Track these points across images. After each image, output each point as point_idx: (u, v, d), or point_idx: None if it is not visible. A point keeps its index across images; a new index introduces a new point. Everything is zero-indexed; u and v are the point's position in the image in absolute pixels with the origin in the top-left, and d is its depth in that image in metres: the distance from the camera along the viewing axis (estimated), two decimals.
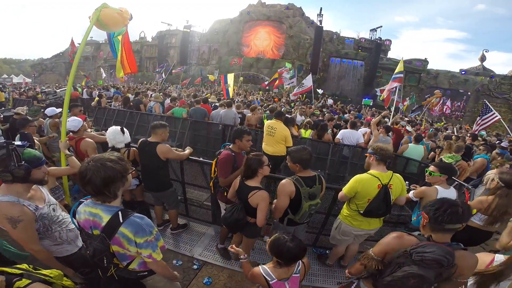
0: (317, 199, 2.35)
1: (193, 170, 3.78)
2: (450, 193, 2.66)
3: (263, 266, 1.70)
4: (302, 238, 2.75)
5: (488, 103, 7.01)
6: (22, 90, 14.32)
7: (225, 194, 2.70)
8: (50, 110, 4.32)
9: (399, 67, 7.37)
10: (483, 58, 27.68)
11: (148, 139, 2.98)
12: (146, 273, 1.61)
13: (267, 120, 5.31)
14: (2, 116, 4.91)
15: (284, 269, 1.64)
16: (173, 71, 23.43)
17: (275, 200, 2.39)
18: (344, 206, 2.65)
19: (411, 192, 2.80)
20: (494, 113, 6.66)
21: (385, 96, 8.84)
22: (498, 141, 8.84)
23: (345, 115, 9.74)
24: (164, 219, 3.53)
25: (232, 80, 10.97)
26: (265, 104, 9.90)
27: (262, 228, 2.80)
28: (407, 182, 2.76)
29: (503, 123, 7.52)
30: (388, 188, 2.33)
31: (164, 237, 3.33)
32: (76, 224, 1.50)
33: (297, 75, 17.71)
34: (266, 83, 18.86)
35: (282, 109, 8.17)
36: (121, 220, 1.38)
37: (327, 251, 3.21)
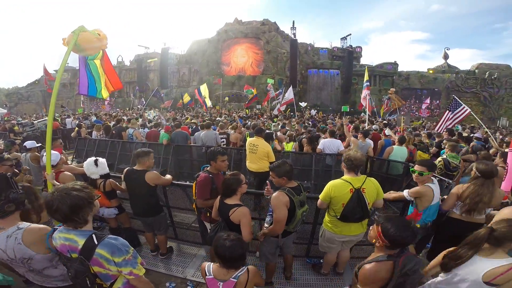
0: (305, 205, 2.48)
1: (177, 194, 3.82)
2: (436, 187, 2.78)
3: (212, 263, 1.75)
4: (290, 247, 2.84)
5: (457, 98, 7.27)
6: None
7: (208, 214, 2.76)
8: (30, 143, 4.28)
9: (366, 76, 7.99)
10: (446, 56, 29.69)
11: (133, 167, 3.02)
12: None
13: (249, 137, 5.41)
14: None
15: (223, 270, 1.65)
16: (154, 97, 23.43)
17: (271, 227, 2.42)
18: (326, 213, 2.76)
19: (406, 191, 2.84)
20: (464, 107, 6.92)
21: (364, 105, 9.32)
22: (472, 134, 9.33)
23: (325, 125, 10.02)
24: (156, 243, 3.50)
25: (206, 91, 11.11)
26: (248, 122, 10.03)
27: (250, 244, 2.83)
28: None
29: (475, 116, 7.91)
30: (361, 192, 2.43)
31: (155, 260, 3.33)
32: (53, 249, 1.55)
33: (278, 89, 18.20)
34: (247, 102, 19.30)
35: (265, 124, 8.37)
36: (96, 242, 1.45)
37: (321, 260, 3.25)
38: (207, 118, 11.29)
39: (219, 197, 2.42)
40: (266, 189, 2.59)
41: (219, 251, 1.61)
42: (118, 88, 3.49)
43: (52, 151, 3.24)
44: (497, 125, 23.22)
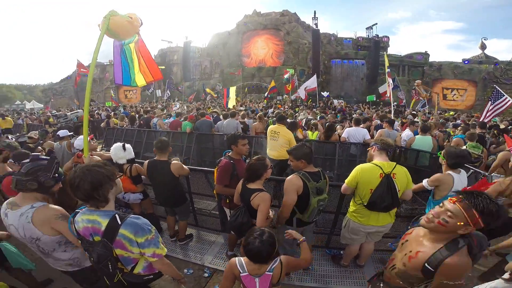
0: (324, 193, 2.33)
1: (199, 180, 3.85)
2: (462, 177, 2.60)
3: (241, 258, 1.68)
4: (310, 239, 2.74)
5: (499, 88, 6.81)
6: (35, 115, 14.93)
7: (227, 201, 2.74)
8: (63, 132, 4.58)
9: (386, 62, 7.69)
10: (483, 46, 27.25)
11: (155, 158, 3.05)
12: (152, 276, 1.64)
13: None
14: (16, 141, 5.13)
15: (256, 264, 1.59)
16: (176, 89, 24.04)
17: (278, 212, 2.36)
18: (351, 202, 2.60)
19: (425, 180, 2.69)
20: (507, 98, 6.47)
21: (387, 93, 9.00)
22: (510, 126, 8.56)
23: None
24: (176, 229, 3.57)
25: (234, 93, 11.26)
26: (268, 111, 10.03)
27: None
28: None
29: None
30: (392, 177, 2.26)
31: (174, 247, 3.38)
32: (76, 233, 1.54)
33: (298, 80, 17.85)
34: (266, 94, 19.16)
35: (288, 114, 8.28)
36: (119, 222, 1.43)
37: (341, 252, 3.14)
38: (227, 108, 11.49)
39: (241, 182, 2.37)
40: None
41: (249, 250, 1.54)
42: (159, 78, 3.24)
43: (81, 137, 3.43)
44: None
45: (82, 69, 15.64)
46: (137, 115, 9.55)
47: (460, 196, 1.22)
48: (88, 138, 3.36)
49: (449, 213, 1.22)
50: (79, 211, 1.54)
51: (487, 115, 6.74)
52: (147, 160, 3.11)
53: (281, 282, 1.66)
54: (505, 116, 13.93)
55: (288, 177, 2.29)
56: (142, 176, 3.30)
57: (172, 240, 3.46)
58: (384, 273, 1.67)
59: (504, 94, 6.55)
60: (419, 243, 1.37)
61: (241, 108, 11.40)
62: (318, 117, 7.93)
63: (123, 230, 1.43)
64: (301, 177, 2.23)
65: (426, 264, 1.27)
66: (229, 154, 2.84)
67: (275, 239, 1.58)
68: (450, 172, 2.61)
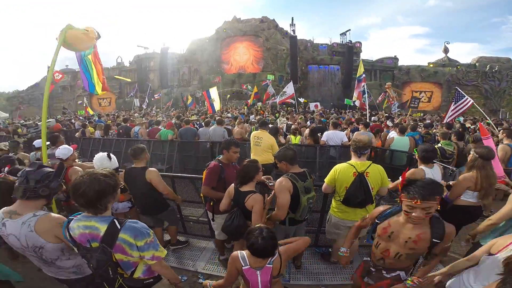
0: (312, 192, 2.49)
1: (185, 187, 3.84)
2: (435, 171, 2.87)
3: (242, 251, 1.74)
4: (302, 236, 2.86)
5: (460, 90, 7.36)
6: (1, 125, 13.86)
7: (211, 203, 2.78)
8: (38, 142, 4.38)
9: (360, 69, 8.07)
10: (446, 50, 29.53)
11: (132, 166, 3.02)
12: (152, 280, 1.66)
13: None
14: None
15: (257, 258, 1.66)
16: (153, 97, 23.52)
17: (273, 213, 2.44)
18: (332, 199, 2.81)
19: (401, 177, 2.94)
20: (467, 99, 6.97)
21: (356, 97, 9.46)
22: (473, 125, 9.43)
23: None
24: (165, 240, 3.55)
25: (216, 94, 11.12)
26: (250, 117, 10.14)
27: None
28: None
29: (478, 107, 7.92)
30: (365, 176, 2.47)
31: (167, 255, 3.31)
32: (70, 240, 1.53)
33: (278, 85, 18.22)
34: (249, 101, 19.38)
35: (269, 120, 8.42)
36: (118, 227, 1.44)
37: (330, 249, 3.29)
38: (209, 115, 11.40)
39: (232, 186, 2.43)
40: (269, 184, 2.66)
41: (256, 250, 1.60)
42: (106, 90, 3.60)
43: (66, 146, 3.39)
44: (498, 117, 23.13)
45: (58, 75, 14.82)
46: (115, 124, 9.25)
47: (417, 198, 1.51)
48: (72, 148, 3.32)
49: (426, 208, 1.53)
50: (73, 218, 1.52)
51: (450, 115, 7.26)
52: (126, 168, 3.07)
53: (281, 274, 1.74)
54: (468, 116, 15.15)
55: (278, 180, 2.39)
56: None
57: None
58: (375, 263, 1.88)
59: (465, 95, 7.08)
60: (411, 229, 1.64)
61: (229, 115, 11.38)
62: (308, 122, 8.14)
63: (123, 235, 1.43)
64: (289, 179, 2.35)
65: (433, 240, 1.60)
66: (219, 158, 2.89)
67: (274, 232, 1.67)
68: (422, 167, 2.90)
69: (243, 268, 1.66)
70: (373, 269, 1.92)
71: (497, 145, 4.76)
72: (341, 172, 2.53)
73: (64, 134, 10.24)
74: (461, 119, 11.45)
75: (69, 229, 1.50)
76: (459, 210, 2.85)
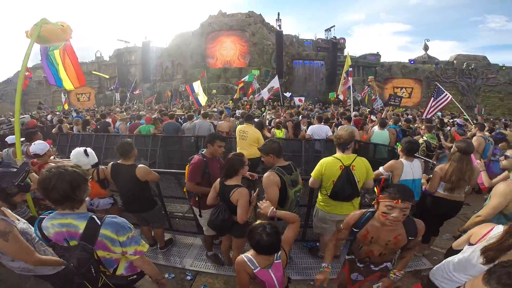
0: (299, 185, 2.48)
1: (169, 183, 3.76)
2: (414, 164, 2.94)
3: (246, 254, 1.68)
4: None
5: (440, 86, 7.61)
6: None
7: (197, 199, 2.72)
8: (11, 138, 4.27)
9: (348, 63, 8.17)
10: (426, 47, 30.54)
11: (119, 162, 2.86)
12: (136, 276, 1.63)
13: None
14: None
15: (264, 256, 1.61)
16: (134, 92, 22.82)
17: (260, 202, 2.43)
18: (319, 193, 2.80)
19: (381, 167, 2.99)
20: (447, 94, 7.22)
21: (341, 91, 9.60)
22: (451, 120, 9.89)
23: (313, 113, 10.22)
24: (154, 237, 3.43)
25: (200, 88, 10.89)
26: (236, 112, 10.03)
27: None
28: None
29: (456, 103, 8.25)
30: (351, 169, 2.48)
31: (154, 253, 3.28)
32: (43, 240, 1.46)
33: (264, 80, 18.15)
34: (234, 96, 19.18)
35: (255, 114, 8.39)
36: (99, 223, 1.39)
37: (317, 244, 3.29)
38: (194, 109, 11.20)
39: (218, 180, 2.38)
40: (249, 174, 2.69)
41: (262, 247, 1.55)
42: (83, 85, 3.46)
43: (41, 141, 3.24)
44: (474, 112, 24.32)
45: (26, 72, 14.06)
46: (94, 120, 8.89)
47: (397, 198, 1.56)
48: (47, 143, 3.18)
49: (404, 209, 1.59)
50: (44, 217, 1.44)
51: (430, 110, 7.50)
52: (111, 163, 2.91)
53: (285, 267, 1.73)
54: (446, 111, 15.79)
55: (265, 174, 2.36)
56: None
57: (152, 248, 3.30)
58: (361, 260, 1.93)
59: (444, 91, 7.35)
60: (389, 231, 1.72)
61: (215, 109, 11.22)
62: (301, 116, 8.13)
63: (104, 231, 1.39)
64: (276, 173, 2.32)
65: (409, 238, 1.73)
66: (203, 152, 2.81)
67: (277, 227, 1.63)
68: (402, 159, 2.97)
69: (254, 271, 1.59)
70: (360, 265, 1.95)
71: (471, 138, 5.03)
72: (328, 166, 2.52)
73: (41, 130, 9.78)
74: (439, 114, 11.93)
75: (42, 228, 1.41)
76: (437, 202, 2.91)
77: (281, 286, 1.64)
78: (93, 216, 1.42)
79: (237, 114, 9.10)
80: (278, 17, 28.09)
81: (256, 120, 5.48)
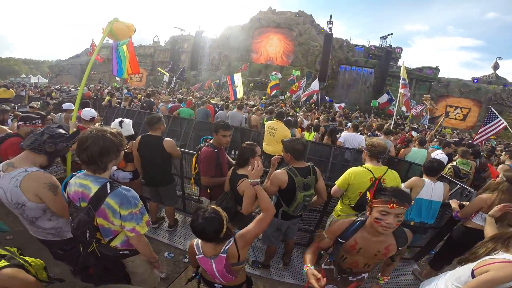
0: (311, 190, 2.37)
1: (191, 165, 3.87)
2: (436, 186, 2.79)
3: (200, 240, 1.61)
4: (293, 233, 2.79)
5: (494, 110, 6.71)
6: (38, 88, 15.06)
7: (208, 190, 2.71)
8: (67, 105, 4.77)
9: (404, 73, 7.49)
10: (496, 66, 27.04)
11: (148, 133, 2.99)
12: (128, 252, 1.62)
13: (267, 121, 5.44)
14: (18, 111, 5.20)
15: (210, 245, 1.53)
16: (181, 77, 24.04)
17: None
18: (338, 202, 2.67)
19: (402, 184, 2.81)
20: (500, 120, 6.37)
21: (403, 102, 8.81)
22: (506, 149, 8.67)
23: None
24: (159, 216, 3.57)
25: (240, 80, 11.05)
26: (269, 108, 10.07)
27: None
28: None
29: (510, 130, 7.19)
30: (381, 182, 2.32)
31: (159, 230, 3.40)
32: (66, 197, 1.54)
33: (306, 82, 17.84)
34: (269, 89, 19.14)
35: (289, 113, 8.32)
36: (108, 191, 1.41)
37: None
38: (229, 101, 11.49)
39: (232, 168, 2.40)
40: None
41: (194, 228, 1.48)
42: (136, 73, 4.12)
43: (90, 109, 3.73)
44: None
45: (94, 48, 15.86)
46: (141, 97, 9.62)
47: (394, 202, 1.45)
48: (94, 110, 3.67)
49: (398, 215, 1.48)
50: (75, 174, 1.53)
51: (480, 136, 6.69)
52: (140, 135, 3.04)
53: (245, 261, 1.67)
54: (503, 139, 13.95)
55: (277, 171, 2.34)
56: None
57: (154, 226, 3.40)
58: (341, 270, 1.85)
59: (499, 116, 6.48)
60: (378, 242, 1.61)
61: (252, 103, 11.39)
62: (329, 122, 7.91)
63: (109, 199, 1.40)
64: (287, 172, 2.27)
65: (399, 248, 1.64)
66: (211, 141, 2.74)
67: (222, 216, 1.51)
68: (425, 178, 2.82)
69: (197, 256, 1.58)
70: (338, 277, 1.84)
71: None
72: (357, 177, 2.38)
73: (94, 102, 10.92)
74: (495, 142, 10.55)
75: (68, 185, 1.52)
76: (467, 233, 2.65)
77: (225, 279, 1.57)
78: (108, 183, 1.43)
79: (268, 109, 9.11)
80: (330, 19, 27.17)
81: (289, 118, 5.43)
